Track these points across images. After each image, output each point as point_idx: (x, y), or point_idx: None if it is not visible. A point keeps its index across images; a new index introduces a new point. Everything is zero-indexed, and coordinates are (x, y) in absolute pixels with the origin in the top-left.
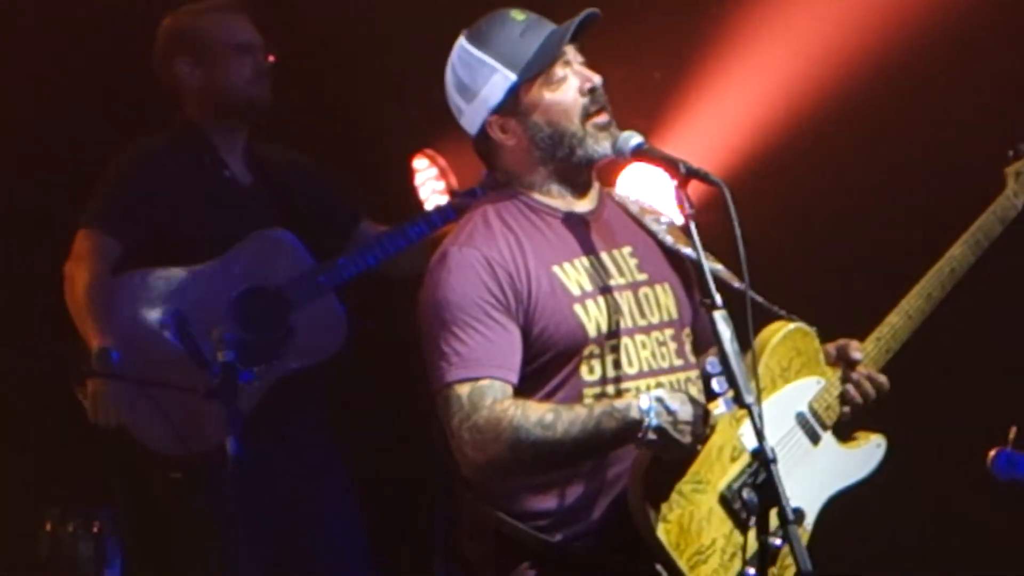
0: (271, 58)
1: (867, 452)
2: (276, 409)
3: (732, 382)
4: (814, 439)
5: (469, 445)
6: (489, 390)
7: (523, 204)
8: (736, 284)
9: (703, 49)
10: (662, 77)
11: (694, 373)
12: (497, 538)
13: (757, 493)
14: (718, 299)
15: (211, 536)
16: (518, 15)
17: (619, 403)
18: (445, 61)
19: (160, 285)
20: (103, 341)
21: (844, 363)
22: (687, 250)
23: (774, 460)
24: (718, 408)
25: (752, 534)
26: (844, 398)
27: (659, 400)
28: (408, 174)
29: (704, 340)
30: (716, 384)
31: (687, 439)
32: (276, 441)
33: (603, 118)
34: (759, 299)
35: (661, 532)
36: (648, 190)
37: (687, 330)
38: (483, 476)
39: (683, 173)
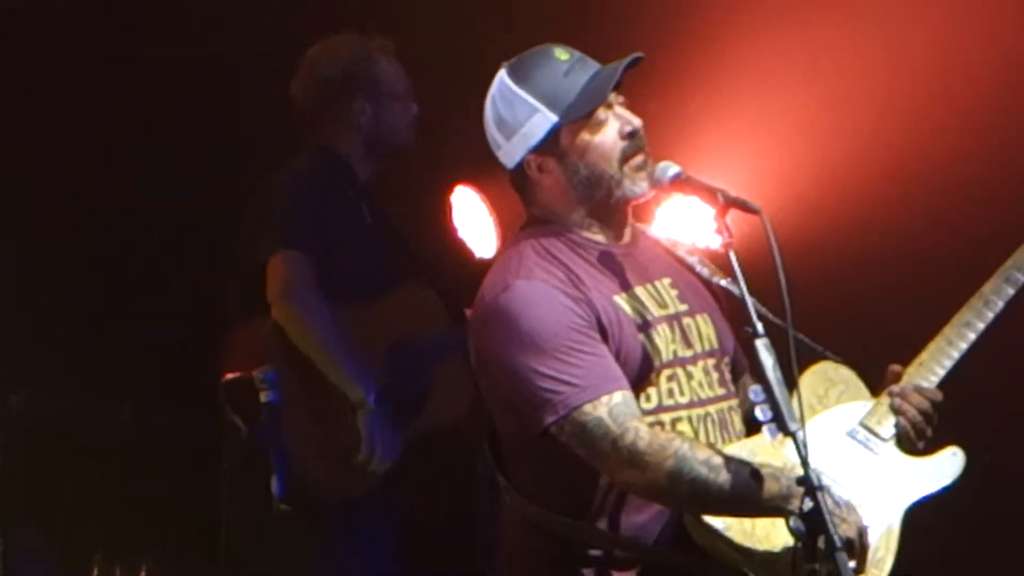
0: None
1: (941, 461)
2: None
3: (776, 410)
4: (872, 451)
5: (627, 464)
6: (624, 405)
7: (565, 240)
8: (772, 319)
9: (739, 78)
10: (698, 109)
11: (735, 402)
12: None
13: (804, 521)
14: (759, 327)
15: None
16: (562, 54)
17: (788, 473)
18: (482, 94)
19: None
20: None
21: (889, 383)
22: (723, 281)
23: (820, 487)
24: (761, 436)
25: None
26: (895, 411)
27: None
28: (447, 209)
29: (740, 370)
30: (759, 412)
31: (844, 529)
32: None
33: (640, 159)
34: (800, 336)
35: (724, 529)
36: (685, 222)
37: (727, 359)
38: (633, 493)
39: (722, 201)
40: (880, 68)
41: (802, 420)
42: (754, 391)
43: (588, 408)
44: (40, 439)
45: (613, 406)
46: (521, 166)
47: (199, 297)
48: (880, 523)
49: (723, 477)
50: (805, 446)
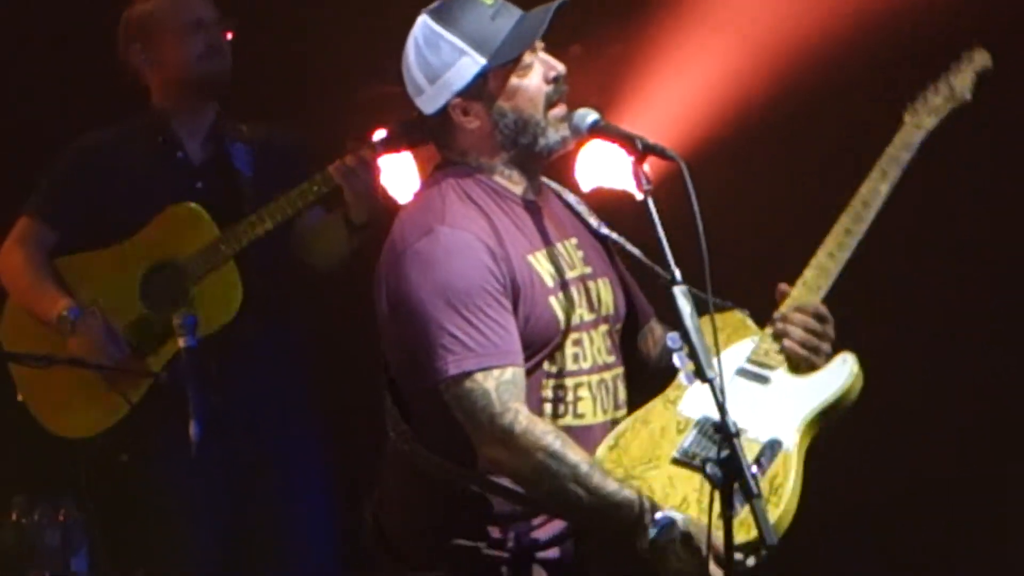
0: (229, 34)
1: (832, 370)
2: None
3: (694, 356)
4: (762, 381)
5: (498, 442)
6: (513, 384)
7: (485, 186)
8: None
9: (661, 21)
10: (622, 52)
11: (622, 371)
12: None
13: (721, 468)
14: (678, 274)
15: (166, 518)
16: None
17: (648, 500)
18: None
19: (77, 269)
20: (70, 301)
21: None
22: (613, 233)
23: (737, 434)
24: (679, 380)
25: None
26: (779, 336)
27: (676, 522)
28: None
29: (644, 322)
30: (677, 359)
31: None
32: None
33: (561, 110)
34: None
35: None
36: (605, 168)
37: (618, 326)
38: (497, 469)
39: (640, 149)
40: (793, 16)
41: (720, 367)
42: (671, 338)
43: (479, 376)
44: None
45: (502, 382)
46: (444, 110)
47: None
48: (774, 447)
49: (583, 490)
50: (723, 392)
